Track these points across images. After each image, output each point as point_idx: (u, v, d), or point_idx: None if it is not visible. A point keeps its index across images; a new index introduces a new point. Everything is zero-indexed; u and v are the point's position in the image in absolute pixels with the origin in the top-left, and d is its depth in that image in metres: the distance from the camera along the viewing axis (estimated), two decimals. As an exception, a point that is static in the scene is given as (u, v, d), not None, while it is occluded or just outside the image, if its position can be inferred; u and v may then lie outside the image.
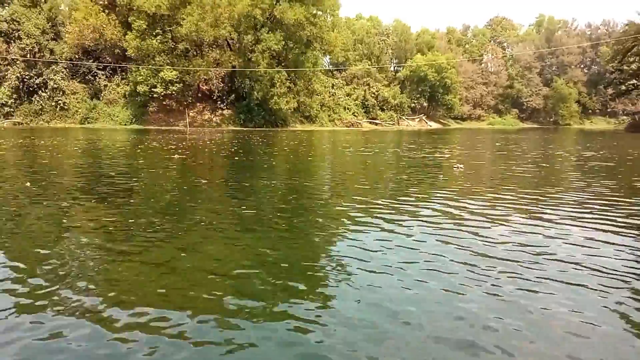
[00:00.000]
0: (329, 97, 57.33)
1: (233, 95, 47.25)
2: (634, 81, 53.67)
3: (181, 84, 43.40)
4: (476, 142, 28.02)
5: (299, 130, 45.19)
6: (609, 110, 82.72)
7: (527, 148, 22.42)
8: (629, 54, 45.10)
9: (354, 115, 60.54)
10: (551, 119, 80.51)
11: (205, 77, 45.76)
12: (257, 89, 43.78)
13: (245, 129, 43.40)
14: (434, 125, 73.56)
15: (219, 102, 47.11)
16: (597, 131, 55.79)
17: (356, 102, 61.97)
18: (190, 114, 46.27)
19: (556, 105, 79.23)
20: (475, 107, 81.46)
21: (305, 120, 51.43)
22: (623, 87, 57.07)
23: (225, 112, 46.99)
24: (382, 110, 63.87)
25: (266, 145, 22.53)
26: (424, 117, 74.92)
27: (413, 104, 75.46)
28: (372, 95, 63.29)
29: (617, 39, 50.98)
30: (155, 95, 43.85)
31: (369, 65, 66.55)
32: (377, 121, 61.23)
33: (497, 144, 26.61)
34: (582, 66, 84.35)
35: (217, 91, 46.82)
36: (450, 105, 73.70)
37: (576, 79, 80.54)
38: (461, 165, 11.95)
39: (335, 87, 61.26)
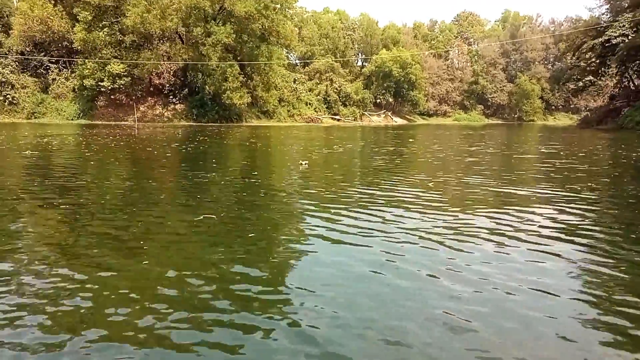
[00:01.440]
0: (290, 92, 56.42)
1: (186, 89, 46.11)
2: (591, 77, 54.18)
3: (129, 78, 42.08)
4: (419, 139, 27.69)
5: (254, 125, 44.37)
6: (571, 106, 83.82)
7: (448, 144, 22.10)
8: (580, 50, 45.39)
9: (316, 111, 59.88)
10: (515, 115, 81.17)
11: (155, 70, 44.49)
12: (209, 83, 42.73)
13: (197, 124, 42.37)
14: (400, 121, 73.40)
15: (171, 97, 45.86)
16: (554, 127, 56.37)
17: (318, 97, 61.26)
18: (141, 108, 44.95)
19: (520, 101, 79.90)
20: (441, 103, 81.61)
21: (263, 115, 50.51)
22: (580, 84, 57.53)
23: (178, 106, 45.77)
24: (345, 105, 63.31)
25: (209, 139, 21.68)
26: (389, 113, 74.72)
27: (379, 100, 75.18)
28: (335, 90, 62.65)
29: (567, 36, 51.46)
30: (102, 90, 42.50)
31: (332, 60, 65.89)
32: (338, 117, 60.69)
33: (435, 140, 26.30)
34: (545, 62, 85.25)
35: (168, 85, 45.55)
36: (415, 101, 73.61)
37: (539, 75, 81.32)
38: (306, 162, 11.42)
39: (297, 82, 60.44)
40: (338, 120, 59.82)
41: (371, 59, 74.55)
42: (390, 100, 75.18)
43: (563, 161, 13.75)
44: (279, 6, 45.59)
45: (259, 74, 47.27)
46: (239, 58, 45.22)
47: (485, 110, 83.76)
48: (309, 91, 61.12)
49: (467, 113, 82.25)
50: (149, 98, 45.95)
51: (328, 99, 61.58)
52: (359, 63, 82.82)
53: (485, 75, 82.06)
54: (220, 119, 44.71)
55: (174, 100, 45.76)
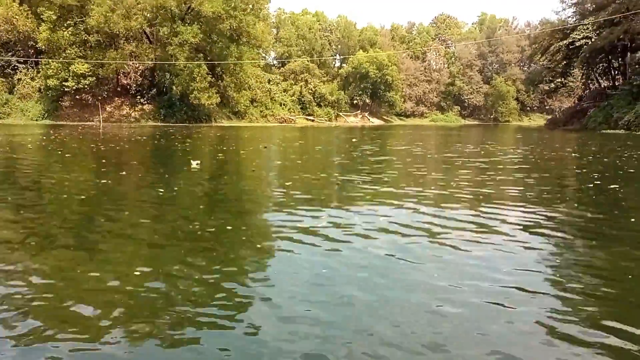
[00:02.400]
0: (263, 92, 56.04)
1: (154, 89, 45.56)
2: (562, 79, 54.82)
3: (94, 78, 41.44)
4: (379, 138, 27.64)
5: (224, 126, 43.90)
6: (546, 107, 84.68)
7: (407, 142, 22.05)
8: (547, 52, 45.83)
9: (290, 112, 59.64)
10: (491, 116, 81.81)
11: (122, 70, 43.89)
12: (176, 84, 42.25)
13: (165, 124, 41.81)
14: (377, 121, 73.51)
15: (138, 97, 45.23)
16: (525, 128, 57.02)
17: (293, 98, 61.03)
18: (108, 109, 44.26)
19: (496, 102, 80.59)
20: (418, 104, 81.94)
21: (234, 116, 50.11)
22: (552, 85, 58.11)
23: (146, 107, 45.16)
24: (319, 106, 63.15)
25: (171, 140, 21.30)
26: (366, 114, 74.81)
27: (355, 101, 75.20)
28: (309, 91, 62.47)
29: (534, 38, 51.99)
30: (67, 90, 41.84)
31: (307, 61, 65.73)
32: (312, 118, 60.54)
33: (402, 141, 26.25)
34: (521, 64, 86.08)
35: (135, 85, 44.90)
36: (392, 102, 73.77)
37: (515, 77, 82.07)
38: (198, 162, 10.93)
39: (271, 83, 60.15)
40: (312, 120, 59.66)
41: (348, 60, 74.64)
42: (367, 101, 75.27)
43: (489, 159, 13.73)
44: (250, 7, 45.33)
45: (230, 74, 46.88)
46: (208, 58, 44.82)
47: (462, 111, 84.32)
48: (284, 92, 60.88)
49: (444, 114, 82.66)
50: (116, 98, 45.26)
51: (302, 99, 61.40)
52: (337, 64, 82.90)
53: (461, 76, 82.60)
54: (189, 119, 44.19)
55: (141, 100, 45.14)
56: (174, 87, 42.48)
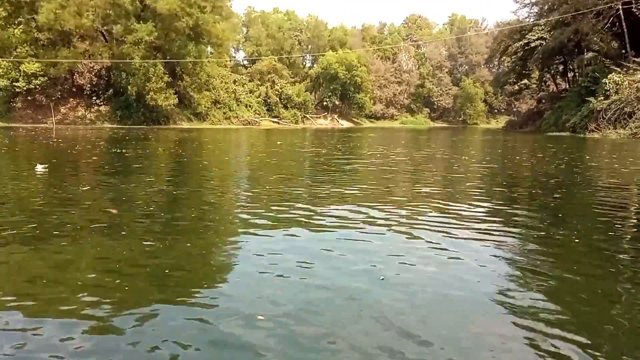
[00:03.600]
0: (227, 93, 55.22)
1: (111, 90, 44.46)
2: (526, 81, 55.43)
3: (46, 78, 40.24)
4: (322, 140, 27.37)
5: (184, 128, 43.06)
6: (514, 109, 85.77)
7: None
8: (506, 53, 46.25)
9: (256, 113, 58.97)
10: (460, 119, 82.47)
11: (76, 70, 42.75)
12: (132, 84, 41.32)
13: (121, 126, 40.84)
14: (346, 124, 73.33)
15: (94, 98, 44.03)
16: (485, 130, 57.60)
17: (259, 99, 60.36)
18: (62, 110, 43.05)
19: (464, 104, 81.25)
20: (388, 106, 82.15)
21: (195, 117, 49.24)
22: (516, 87, 58.71)
23: (102, 108, 44.00)
24: (286, 108, 62.59)
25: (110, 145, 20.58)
26: (335, 116, 74.59)
27: (325, 102, 74.99)
28: (276, 92, 61.88)
29: (494, 39, 52.49)
30: (18, 90, 40.57)
31: (275, 61, 65.20)
32: (278, 120, 59.95)
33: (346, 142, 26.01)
34: (490, 66, 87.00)
35: (90, 85, 43.75)
36: (361, 104, 73.66)
37: (483, 78, 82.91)
38: (45, 165, 9.75)
39: (237, 83, 59.39)
40: (279, 123, 59.09)
41: (318, 61, 74.39)
42: (337, 102, 75.11)
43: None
44: (209, 5, 44.58)
45: (190, 75, 46.09)
46: (167, 57, 43.96)
47: (431, 114, 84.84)
48: (250, 93, 60.15)
49: (413, 116, 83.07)
50: (71, 99, 44.01)
51: (268, 101, 60.76)
52: (308, 64, 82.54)
53: (431, 78, 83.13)
54: (146, 121, 43.23)
55: (97, 101, 43.96)
56: (129, 88, 41.54)
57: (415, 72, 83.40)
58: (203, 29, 44.63)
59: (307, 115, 64.52)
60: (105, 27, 42.67)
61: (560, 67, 44.57)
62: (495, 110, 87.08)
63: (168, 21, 41.49)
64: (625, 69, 29.58)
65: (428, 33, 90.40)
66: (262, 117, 58.69)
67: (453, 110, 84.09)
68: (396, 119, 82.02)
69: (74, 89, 44.66)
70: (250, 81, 61.73)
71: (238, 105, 57.14)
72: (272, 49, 69.82)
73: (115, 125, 41.53)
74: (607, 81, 29.60)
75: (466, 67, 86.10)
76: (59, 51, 40.54)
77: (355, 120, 78.01)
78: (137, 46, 40.44)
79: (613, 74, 29.78)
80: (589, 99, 30.82)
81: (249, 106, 58.79)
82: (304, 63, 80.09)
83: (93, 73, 44.33)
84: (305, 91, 65.49)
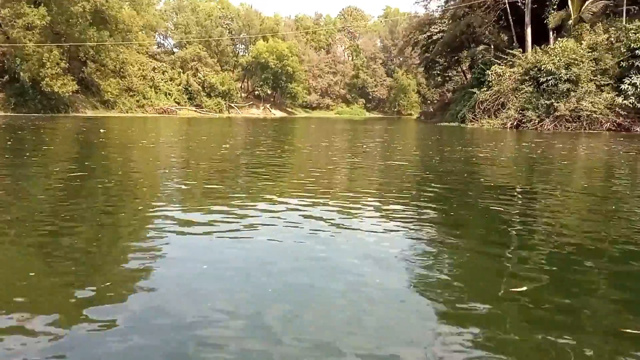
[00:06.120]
0: (142, 81, 53.39)
1: (7, 76, 42.00)
2: (449, 73, 56.30)
3: None
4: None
5: (86, 117, 41.21)
6: (446, 101, 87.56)
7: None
8: (416, 45, 46.76)
9: (177, 102, 57.43)
10: (395, 109, 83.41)
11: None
12: (24, 69, 39.18)
13: (16, 114, 38.61)
14: (279, 113, 72.79)
15: (-15, 84, 41.53)
16: (404, 120, 58.36)
17: (179, 87, 58.79)
18: (-51, 97, 40.36)
19: (398, 95, 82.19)
20: (323, 96, 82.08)
21: (102, 105, 47.31)
22: (439, 79, 59.58)
23: (-6, 95, 41.55)
24: (209, 97, 61.30)
25: None
26: (268, 106, 73.86)
27: (257, 92, 74.14)
28: (198, 81, 60.44)
29: (403, 31, 53.09)
30: None
31: (200, 49, 63.66)
32: (201, 109, 58.63)
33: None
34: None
35: (-22, 71, 41.16)
36: (294, 94, 73.32)
37: (416, 70, 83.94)
38: None
39: (156, 71, 57.56)
40: (199, 112, 57.75)
41: (249, 50, 73.29)
42: (270, 92, 74.41)
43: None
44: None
45: (95, 61, 44.20)
46: (65, 41, 41.82)
47: (367, 104, 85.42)
48: (170, 80, 58.46)
49: (349, 106, 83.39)
50: (-40, 86, 41.31)
51: (190, 89, 59.29)
52: (241, 53, 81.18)
53: (366, 69, 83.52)
54: (44, 108, 41.11)
55: (-11, 88, 41.47)
56: (21, 74, 39.37)
57: (350, 63, 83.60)
58: (108, 14, 42.91)
59: (232, 105, 63.42)
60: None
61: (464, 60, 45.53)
62: (429, 102, 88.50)
63: (65, 5, 39.52)
64: (504, 61, 30.31)
65: (363, 25, 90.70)
66: (182, 105, 57.21)
67: (388, 101, 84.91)
68: (332, 109, 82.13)
69: (-35, 75, 41.91)
70: (172, 69, 60.01)
71: (156, 93, 55.45)
72: (199, 36, 68.15)
73: (9, 113, 39.26)
74: (489, 72, 30.25)
75: (400, 59, 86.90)
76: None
77: (289, 110, 77.58)
78: (29, 31, 38.28)
79: (495, 65, 30.46)
80: (474, 90, 31.51)
81: (169, 94, 57.18)
82: (236, 52, 78.69)
83: (-18, 58, 41.70)
84: (235, 80, 64.42)
